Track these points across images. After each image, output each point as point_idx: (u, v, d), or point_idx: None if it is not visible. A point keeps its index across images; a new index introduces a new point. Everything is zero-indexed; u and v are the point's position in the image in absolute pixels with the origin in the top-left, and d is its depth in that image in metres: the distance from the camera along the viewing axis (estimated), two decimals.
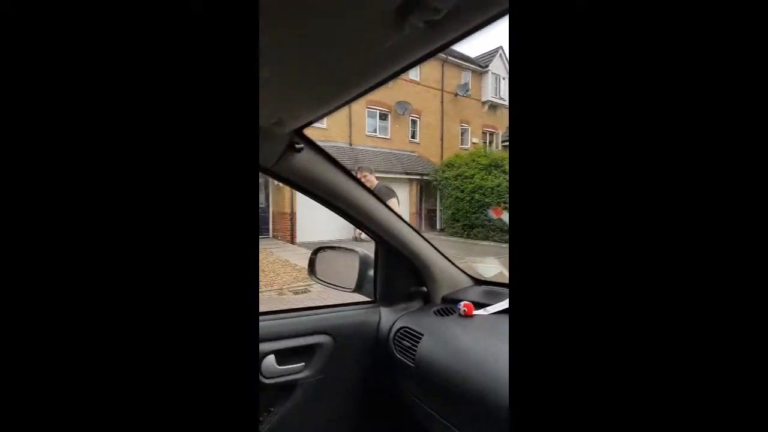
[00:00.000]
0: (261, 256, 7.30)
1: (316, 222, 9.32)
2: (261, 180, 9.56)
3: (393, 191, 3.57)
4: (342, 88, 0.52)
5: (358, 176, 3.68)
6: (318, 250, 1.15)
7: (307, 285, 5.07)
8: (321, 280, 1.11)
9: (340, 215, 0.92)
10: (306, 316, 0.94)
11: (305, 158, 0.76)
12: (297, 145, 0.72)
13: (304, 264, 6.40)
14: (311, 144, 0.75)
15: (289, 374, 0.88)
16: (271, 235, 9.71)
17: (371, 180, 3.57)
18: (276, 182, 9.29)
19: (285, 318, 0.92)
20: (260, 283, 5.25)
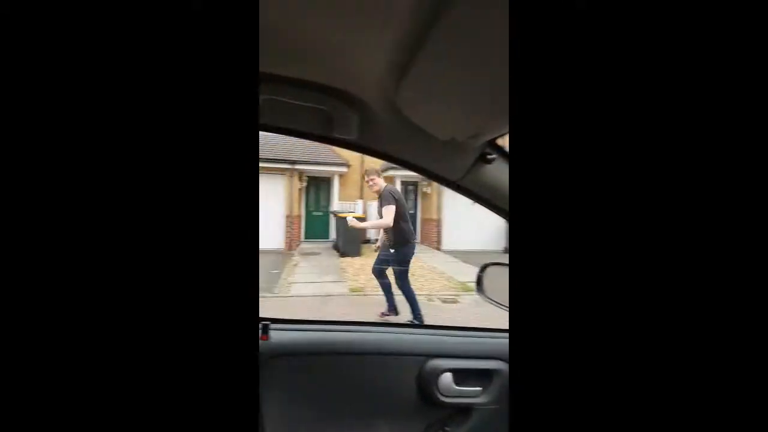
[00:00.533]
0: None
1: (463, 230, 9.18)
2: (411, 187, 10.12)
3: (394, 198, 3.10)
4: None
5: (366, 181, 3.33)
6: (486, 266, 1.04)
7: (456, 295, 4.99)
8: (490, 299, 1.00)
9: None
10: (480, 337, 0.90)
11: (495, 169, 0.69)
12: (489, 156, 0.67)
13: (450, 272, 6.39)
14: (504, 154, 0.69)
15: (466, 396, 0.85)
16: (419, 241, 10.14)
17: (379, 183, 3.22)
18: (424, 188, 9.64)
19: (461, 335, 0.89)
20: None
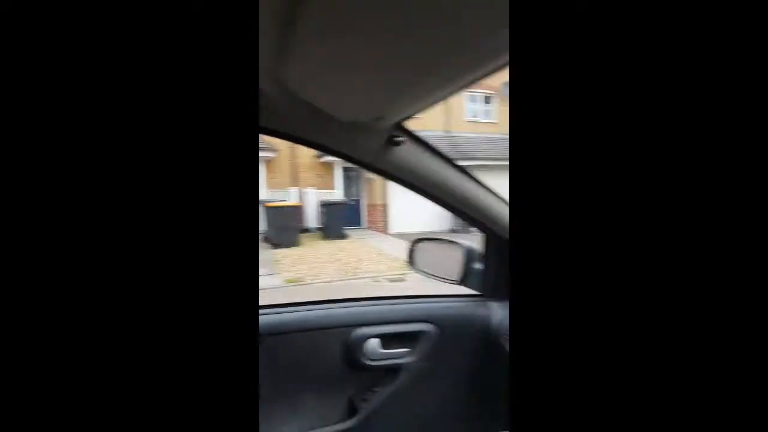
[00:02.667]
0: (356, 245, 7.68)
1: (409, 213, 9.37)
2: (354, 173, 10.05)
3: None
4: (449, 79, 0.47)
5: None
6: (417, 241, 1.07)
7: (403, 274, 5.10)
8: (421, 271, 1.02)
9: (446, 208, 0.85)
10: (408, 303, 0.93)
11: (406, 150, 0.72)
12: (396, 139, 0.69)
13: (397, 254, 6.52)
14: (412, 136, 0.72)
15: (394, 358, 0.88)
16: (366, 226, 10.17)
17: None
18: (368, 175, 9.64)
19: (387, 304, 0.92)
20: (356, 270, 5.51)
